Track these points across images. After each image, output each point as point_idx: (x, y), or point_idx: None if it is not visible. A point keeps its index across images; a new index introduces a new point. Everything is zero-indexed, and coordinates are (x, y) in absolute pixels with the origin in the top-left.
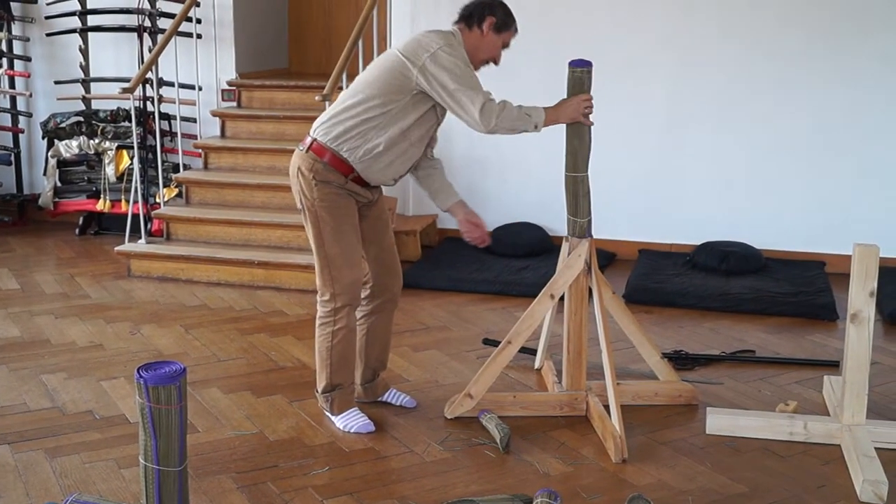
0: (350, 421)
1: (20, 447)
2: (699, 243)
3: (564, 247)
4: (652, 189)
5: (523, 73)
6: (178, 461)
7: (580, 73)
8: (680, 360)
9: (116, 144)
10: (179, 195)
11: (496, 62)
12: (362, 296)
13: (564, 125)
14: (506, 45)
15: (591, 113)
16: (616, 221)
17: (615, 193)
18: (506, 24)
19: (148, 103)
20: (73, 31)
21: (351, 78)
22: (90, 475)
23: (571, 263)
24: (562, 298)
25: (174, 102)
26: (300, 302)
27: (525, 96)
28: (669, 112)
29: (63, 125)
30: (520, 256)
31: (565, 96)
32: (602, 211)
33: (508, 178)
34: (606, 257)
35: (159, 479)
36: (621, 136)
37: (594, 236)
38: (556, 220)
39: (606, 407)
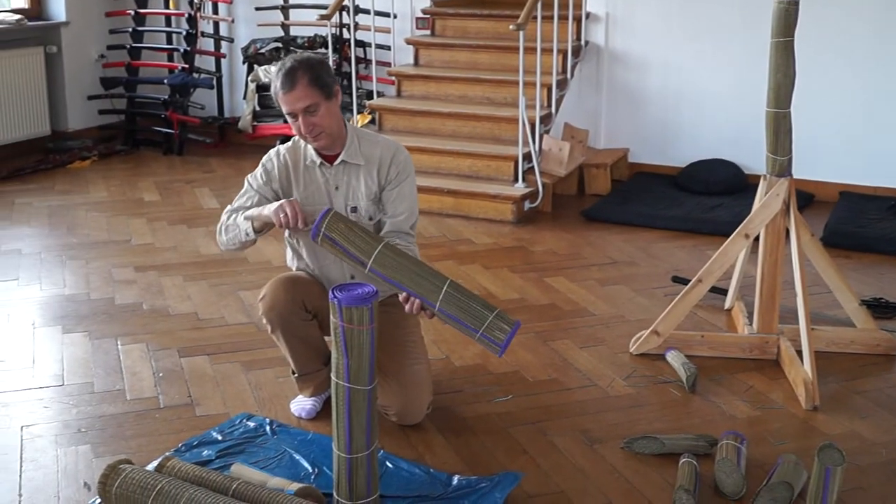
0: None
1: (218, 359)
2: None
3: (762, 185)
4: (856, 128)
5: (722, 3)
6: (368, 380)
7: (787, 5)
8: (880, 308)
9: None
10: (372, 122)
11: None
12: None
13: (769, 57)
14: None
15: (286, 221)
16: (816, 161)
17: (816, 131)
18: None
19: (344, 30)
20: None
21: (546, 8)
22: (283, 389)
23: (769, 203)
24: (756, 238)
25: (369, 30)
26: (488, 231)
27: (722, 28)
28: (876, 48)
29: (262, 51)
30: (713, 194)
31: (770, 29)
32: (802, 149)
33: (704, 113)
34: (805, 198)
35: (349, 397)
36: (825, 72)
37: (793, 175)
38: (751, 157)
39: (798, 352)
